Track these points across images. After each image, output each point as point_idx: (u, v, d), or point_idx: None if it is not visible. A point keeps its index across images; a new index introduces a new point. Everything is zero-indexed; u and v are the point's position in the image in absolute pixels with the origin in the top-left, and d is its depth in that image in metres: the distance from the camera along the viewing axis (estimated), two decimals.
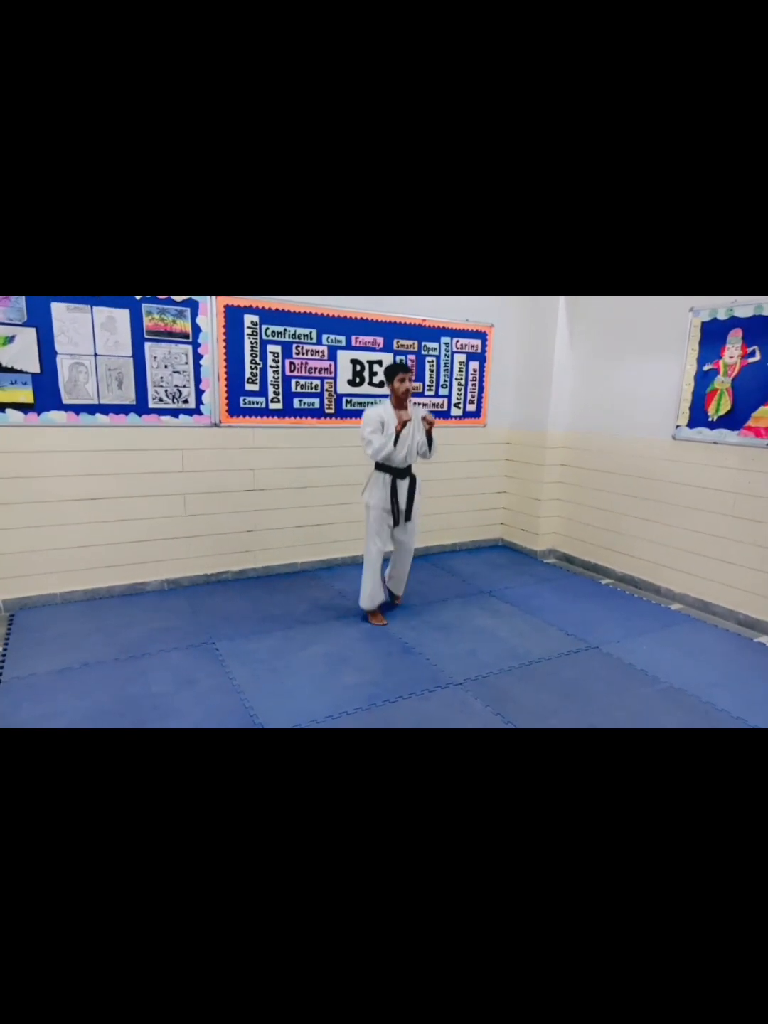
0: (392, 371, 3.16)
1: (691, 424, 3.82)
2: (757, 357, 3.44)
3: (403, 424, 3.09)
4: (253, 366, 3.87)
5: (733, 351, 3.56)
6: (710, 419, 3.71)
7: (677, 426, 3.91)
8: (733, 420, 3.59)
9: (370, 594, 3.42)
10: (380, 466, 3.27)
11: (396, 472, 3.27)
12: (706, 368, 3.71)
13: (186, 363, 3.65)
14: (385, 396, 3.61)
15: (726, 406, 3.62)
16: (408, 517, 3.37)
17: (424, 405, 4.54)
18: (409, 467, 3.33)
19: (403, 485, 3.31)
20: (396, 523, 3.33)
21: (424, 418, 3.20)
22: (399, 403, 3.18)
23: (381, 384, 4.33)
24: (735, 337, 3.54)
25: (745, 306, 3.48)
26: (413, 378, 3.20)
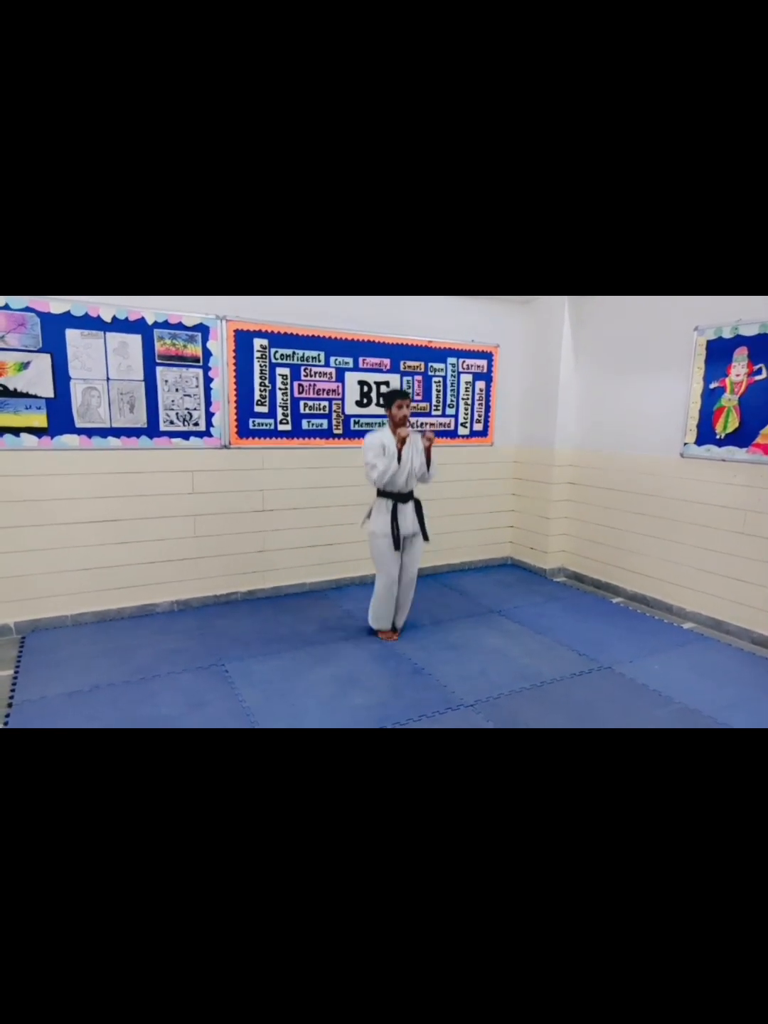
0: (390, 397, 3.22)
1: (699, 441, 3.82)
2: (763, 375, 3.45)
3: (402, 441, 3.15)
4: (262, 388, 3.92)
5: (739, 369, 3.57)
6: (718, 436, 3.71)
7: (685, 444, 3.91)
8: (741, 437, 3.58)
9: (380, 616, 3.48)
10: (382, 493, 3.29)
11: (397, 497, 3.29)
12: (712, 386, 3.72)
13: (196, 386, 3.71)
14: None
15: (734, 423, 3.62)
16: (425, 538, 3.39)
17: (429, 425, 4.58)
18: (411, 492, 3.35)
19: (406, 509, 3.32)
20: (397, 547, 3.32)
21: (424, 434, 3.23)
22: (397, 428, 3.21)
23: None
24: (740, 355, 3.56)
25: (750, 325, 3.50)
26: (411, 404, 3.25)
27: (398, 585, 3.40)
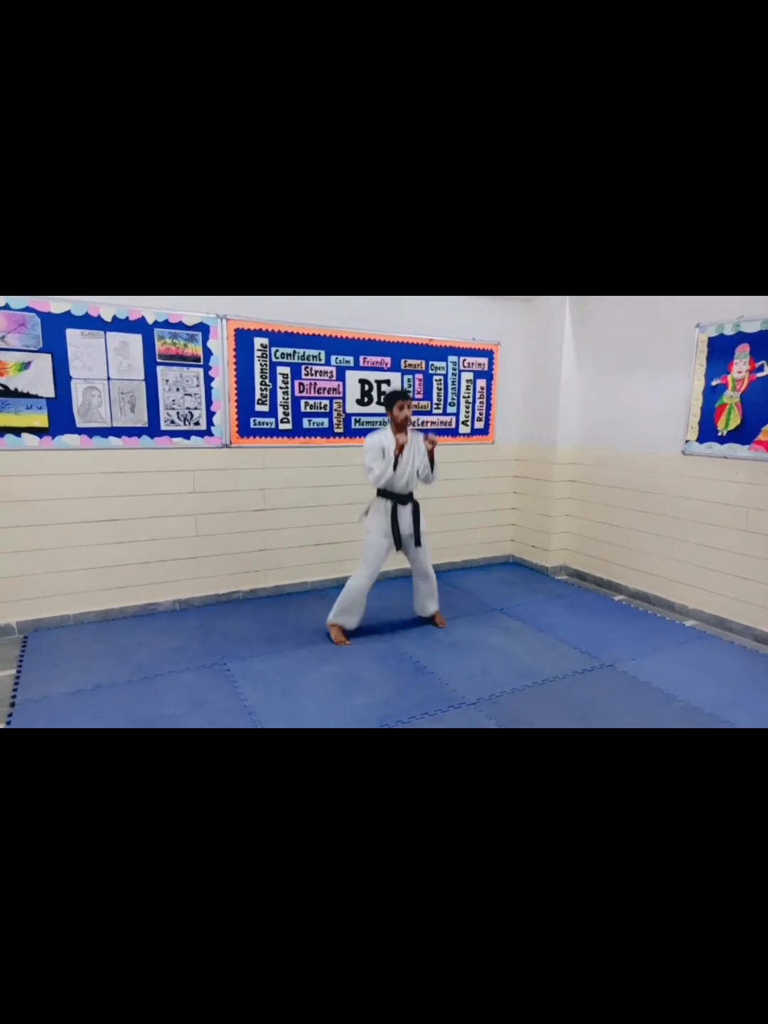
0: (392, 398, 3.20)
1: (701, 439, 3.82)
2: (765, 372, 3.44)
3: (401, 448, 3.12)
4: (263, 387, 3.92)
5: (741, 366, 3.56)
6: (720, 434, 3.70)
7: (687, 441, 3.90)
8: (743, 434, 3.58)
9: (344, 610, 3.36)
10: (382, 492, 3.29)
11: (397, 498, 3.28)
12: (714, 383, 3.71)
13: (197, 386, 3.71)
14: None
15: (736, 421, 3.61)
16: (418, 543, 3.37)
17: (429, 424, 4.58)
18: (411, 494, 3.34)
19: (405, 511, 3.32)
20: (399, 547, 3.33)
21: (426, 438, 3.23)
22: (399, 429, 3.21)
23: None
24: (742, 352, 3.55)
25: (752, 322, 3.49)
26: (412, 405, 3.23)
27: (414, 578, 3.56)
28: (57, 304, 3.26)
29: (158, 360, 3.56)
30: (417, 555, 3.42)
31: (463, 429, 4.81)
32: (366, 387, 4.29)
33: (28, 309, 3.19)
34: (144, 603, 3.78)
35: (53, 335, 3.27)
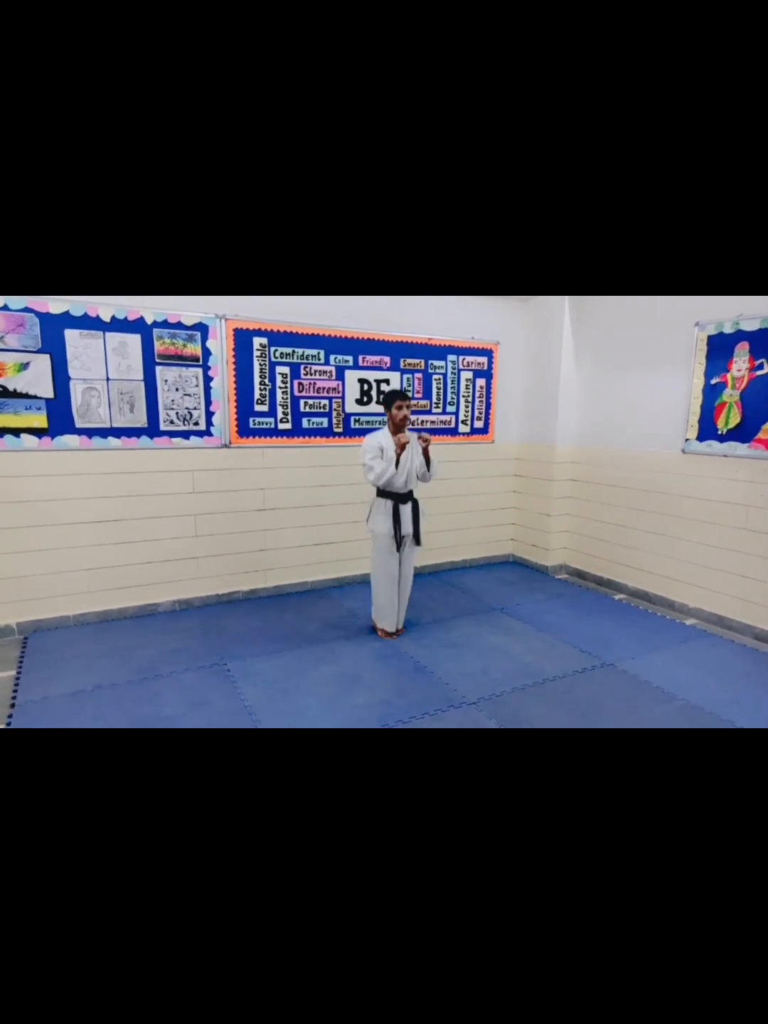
0: (390, 398, 3.22)
1: (701, 437, 3.82)
2: (765, 370, 3.44)
3: (402, 447, 3.13)
4: (262, 387, 3.92)
5: (740, 364, 3.56)
6: (720, 432, 3.70)
7: (686, 439, 3.90)
8: (743, 433, 3.58)
9: (385, 614, 3.46)
10: (381, 493, 3.30)
11: (397, 497, 3.29)
12: (714, 381, 3.71)
13: (196, 386, 3.71)
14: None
15: (735, 419, 3.61)
16: (418, 541, 3.37)
17: (429, 424, 4.58)
18: (410, 492, 3.35)
19: (406, 509, 3.33)
20: (399, 548, 3.33)
21: (421, 437, 3.23)
22: (397, 429, 3.22)
23: None
24: (742, 350, 3.54)
25: (751, 320, 3.49)
26: (411, 405, 3.24)
27: (397, 584, 3.41)
28: (55, 304, 3.25)
29: (157, 360, 3.56)
30: (408, 556, 3.41)
31: (463, 428, 4.80)
32: (365, 386, 4.28)
33: (27, 309, 3.19)
34: (144, 603, 3.78)
35: (52, 335, 3.26)
